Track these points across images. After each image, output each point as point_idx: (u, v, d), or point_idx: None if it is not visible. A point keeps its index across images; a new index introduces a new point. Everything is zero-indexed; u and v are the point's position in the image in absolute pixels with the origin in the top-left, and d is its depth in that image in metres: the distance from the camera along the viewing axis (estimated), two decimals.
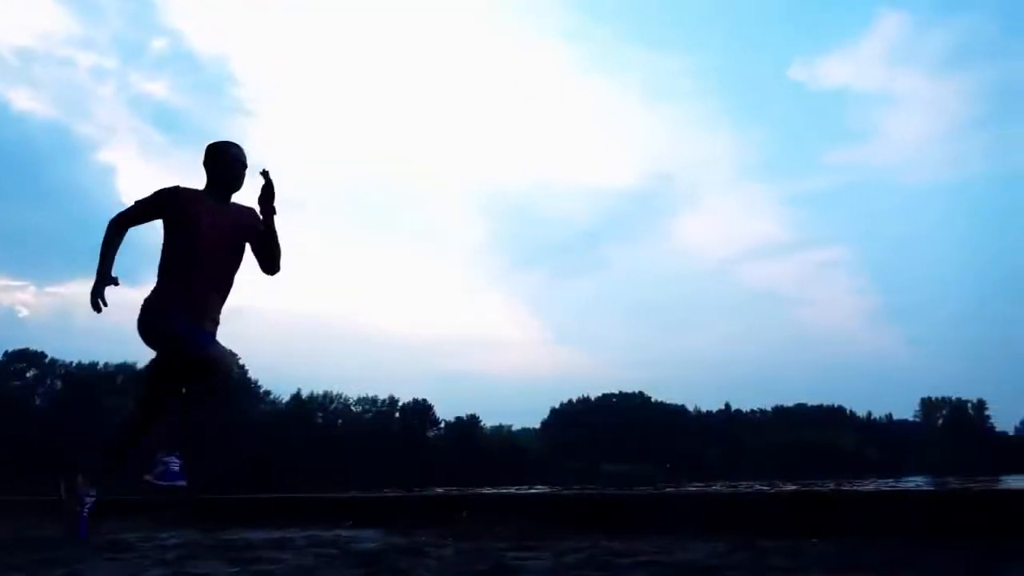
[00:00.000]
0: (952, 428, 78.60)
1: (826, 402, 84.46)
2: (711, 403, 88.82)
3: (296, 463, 52.59)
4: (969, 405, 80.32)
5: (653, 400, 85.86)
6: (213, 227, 3.07)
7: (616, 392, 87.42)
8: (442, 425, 77.61)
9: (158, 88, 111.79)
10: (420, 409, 75.77)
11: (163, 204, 3.07)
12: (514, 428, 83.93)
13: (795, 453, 67.70)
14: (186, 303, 3.00)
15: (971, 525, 2.21)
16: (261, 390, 64.70)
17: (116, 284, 2.98)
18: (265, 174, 3.05)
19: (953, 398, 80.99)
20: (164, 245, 3.10)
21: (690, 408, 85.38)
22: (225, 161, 3.15)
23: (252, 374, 64.23)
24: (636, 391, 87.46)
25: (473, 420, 78.59)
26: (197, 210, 3.07)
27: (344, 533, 2.96)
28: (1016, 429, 79.83)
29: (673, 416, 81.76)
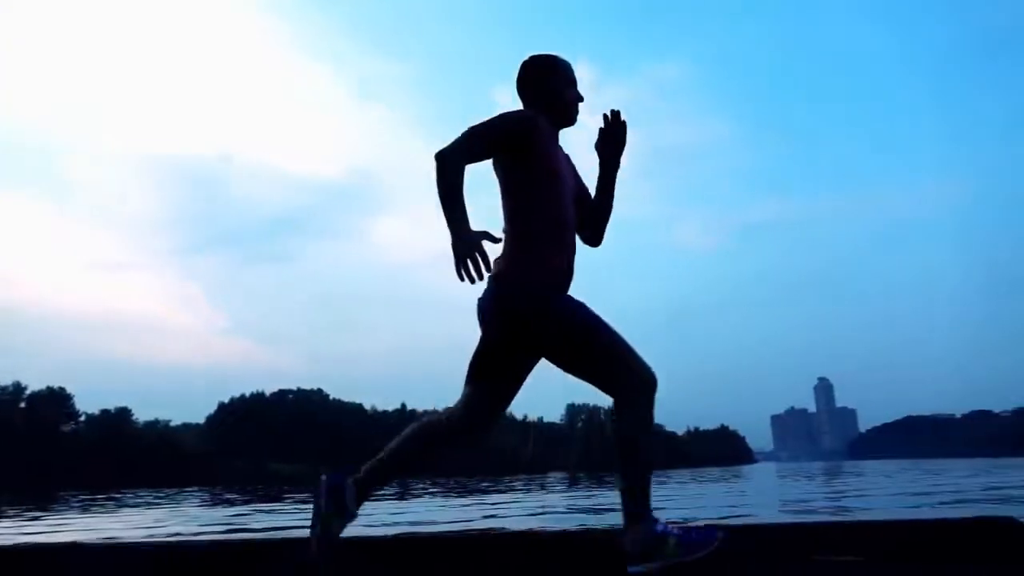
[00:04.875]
0: (588, 430, 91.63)
1: None
2: (388, 402, 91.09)
3: None
4: (602, 411, 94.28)
5: (332, 398, 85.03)
6: (568, 174, 2.24)
7: (294, 388, 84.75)
8: (82, 418, 67.50)
9: None
10: (54, 399, 64.82)
11: (522, 133, 2.12)
12: (173, 423, 76.43)
13: (462, 452, 72.57)
14: (565, 285, 2.15)
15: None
16: None
17: (494, 241, 2.02)
18: (616, 115, 2.30)
19: (591, 404, 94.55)
20: (517, 193, 2.16)
21: (367, 407, 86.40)
22: (572, 80, 2.30)
23: None
24: (315, 388, 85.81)
25: (123, 413, 69.68)
26: (554, 149, 2.21)
27: None
28: None
29: (350, 415, 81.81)
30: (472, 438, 2.19)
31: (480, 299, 2.11)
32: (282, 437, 72.27)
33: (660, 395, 2.06)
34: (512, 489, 17.49)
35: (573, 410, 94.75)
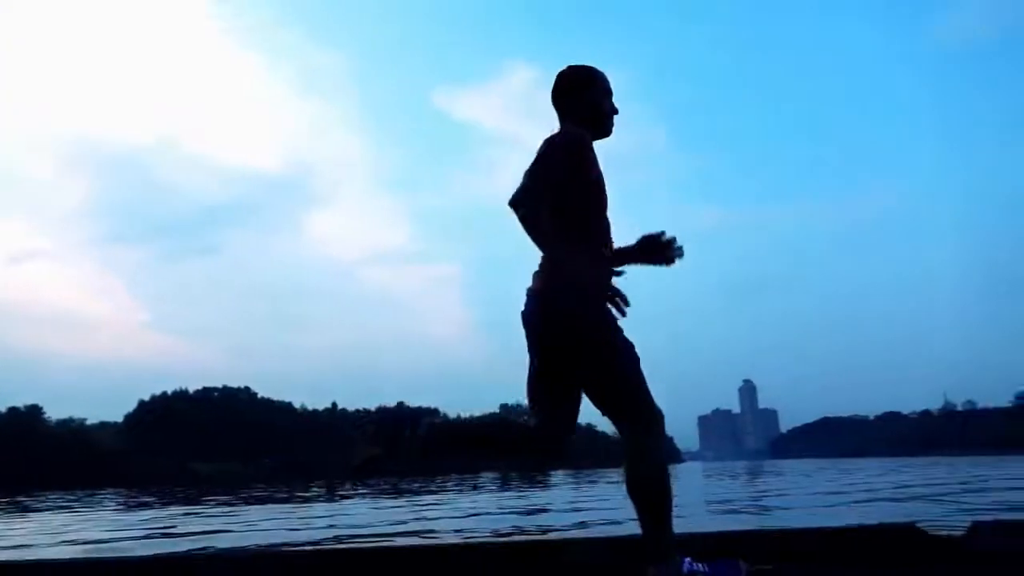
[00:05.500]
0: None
1: (424, 404, 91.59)
2: (319, 401, 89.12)
3: None
4: None
5: (260, 396, 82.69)
6: (604, 186, 2.21)
7: (219, 386, 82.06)
8: None
9: None
10: None
11: (579, 159, 2.09)
12: (89, 422, 72.88)
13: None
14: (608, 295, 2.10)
15: None
16: None
17: (617, 273, 2.14)
18: (679, 252, 2.26)
19: (525, 404, 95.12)
20: (562, 208, 2.08)
21: (297, 405, 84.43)
22: (608, 91, 2.25)
23: None
24: (242, 386, 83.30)
25: (34, 411, 66.11)
26: (597, 163, 2.16)
27: None
28: None
29: (279, 413, 79.75)
30: (547, 459, 2.25)
31: (523, 313, 2.10)
32: (207, 436, 69.88)
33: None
34: (444, 490, 17.42)
35: (507, 410, 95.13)
